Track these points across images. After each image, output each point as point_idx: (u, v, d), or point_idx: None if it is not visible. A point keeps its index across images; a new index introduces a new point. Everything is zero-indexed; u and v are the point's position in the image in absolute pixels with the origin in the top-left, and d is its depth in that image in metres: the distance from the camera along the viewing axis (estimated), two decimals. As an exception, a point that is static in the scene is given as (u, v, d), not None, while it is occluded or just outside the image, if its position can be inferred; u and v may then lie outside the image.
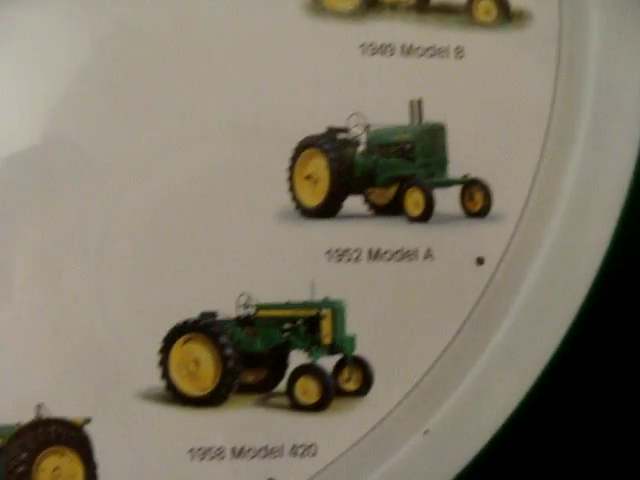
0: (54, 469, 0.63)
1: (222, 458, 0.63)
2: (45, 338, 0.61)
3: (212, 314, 0.64)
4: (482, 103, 0.67)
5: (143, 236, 0.62)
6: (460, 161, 0.67)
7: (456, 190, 0.67)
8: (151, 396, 0.63)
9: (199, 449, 0.63)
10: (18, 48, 0.61)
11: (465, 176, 0.67)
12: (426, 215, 0.66)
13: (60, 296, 0.61)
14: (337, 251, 0.65)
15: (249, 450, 0.63)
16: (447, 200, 0.67)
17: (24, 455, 0.63)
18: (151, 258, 0.62)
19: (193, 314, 0.63)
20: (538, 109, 0.68)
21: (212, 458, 0.63)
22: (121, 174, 0.62)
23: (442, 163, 0.67)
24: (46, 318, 0.61)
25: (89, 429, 0.62)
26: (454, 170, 0.68)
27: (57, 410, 0.62)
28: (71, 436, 0.63)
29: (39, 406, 0.63)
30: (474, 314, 0.67)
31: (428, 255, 0.66)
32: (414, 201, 0.67)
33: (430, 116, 0.66)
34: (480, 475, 0.66)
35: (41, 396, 0.62)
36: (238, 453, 0.63)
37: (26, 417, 0.63)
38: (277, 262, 0.64)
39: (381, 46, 0.65)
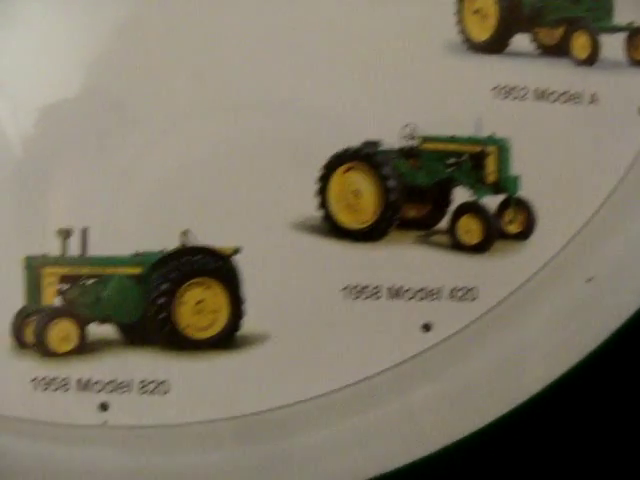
0: (197, 302, 0.59)
1: (378, 298, 0.59)
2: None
3: (375, 143, 0.59)
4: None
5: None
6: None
7: (621, 37, 0.63)
8: (306, 227, 0.59)
9: (354, 287, 0.59)
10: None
11: (630, 23, 0.63)
12: (592, 59, 0.63)
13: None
14: (504, 88, 0.60)
15: (407, 291, 0.59)
16: (612, 46, 0.63)
17: (166, 286, 0.59)
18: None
19: (354, 143, 0.59)
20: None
21: (367, 298, 0.59)
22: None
23: (608, 9, 0.64)
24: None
25: (238, 260, 0.58)
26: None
27: (204, 238, 0.58)
28: (218, 266, 0.59)
29: (185, 233, 0.58)
30: (638, 161, 0.63)
31: (593, 100, 0.62)
32: (580, 44, 0.64)
33: None
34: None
35: (187, 222, 0.58)
36: (395, 294, 0.59)
37: (170, 244, 0.58)
38: (443, 95, 0.60)
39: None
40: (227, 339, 0.59)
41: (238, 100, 0.58)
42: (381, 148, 0.59)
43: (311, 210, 0.59)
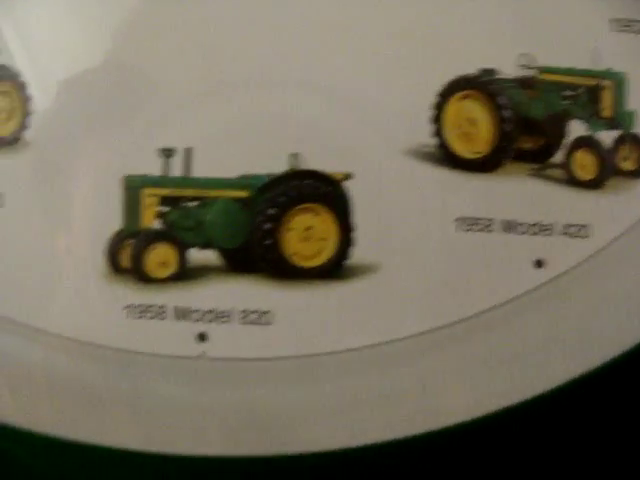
0: (305, 229, 0.56)
1: (490, 231, 0.57)
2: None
3: (491, 71, 0.57)
4: None
5: None
6: None
7: None
8: (420, 154, 0.57)
9: (467, 218, 0.56)
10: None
11: None
12: None
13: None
14: (621, 21, 0.58)
15: (520, 225, 0.57)
16: None
17: (273, 210, 0.56)
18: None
19: (471, 71, 0.57)
20: None
21: (480, 230, 0.57)
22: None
23: None
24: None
25: (348, 186, 0.56)
26: None
27: (314, 162, 0.56)
28: (328, 192, 0.56)
29: (294, 155, 0.55)
30: None
31: None
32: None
33: None
34: None
35: (297, 146, 0.55)
36: (507, 227, 0.57)
37: (278, 167, 0.56)
38: (559, 25, 0.57)
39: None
40: (335, 269, 0.56)
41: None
42: (497, 76, 0.57)
43: (425, 137, 0.57)
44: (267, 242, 0.56)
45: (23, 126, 0.57)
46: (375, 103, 0.56)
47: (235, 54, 0.56)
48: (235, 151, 0.56)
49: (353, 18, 0.56)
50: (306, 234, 0.56)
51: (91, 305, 0.56)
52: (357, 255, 0.56)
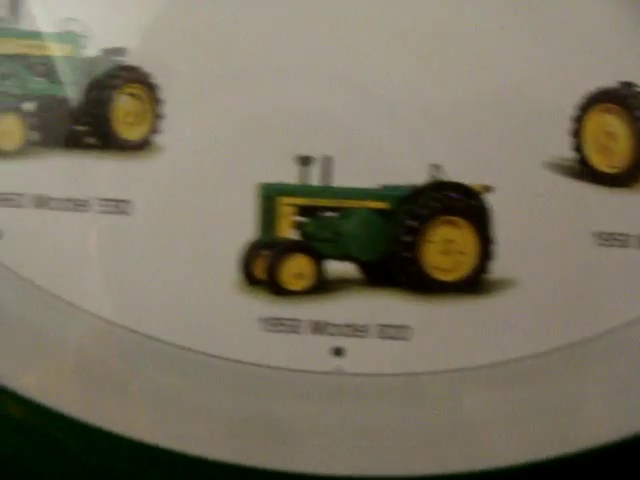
0: (446, 242, 0.55)
1: (626, 247, 0.56)
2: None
3: (630, 84, 0.56)
4: None
5: None
6: None
7: None
8: (558, 167, 0.56)
9: (603, 233, 0.56)
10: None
11: None
12: None
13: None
14: None
15: (655, 241, 0.57)
16: None
17: (414, 222, 0.55)
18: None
19: (608, 83, 0.56)
20: None
21: (616, 245, 0.56)
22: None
23: None
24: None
25: (489, 199, 0.55)
26: None
27: (455, 174, 0.54)
28: (470, 204, 0.55)
29: (435, 167, 0.54)
30: None
31: None
32: None
33: None
34: None
35: (438, 156, 0.54)
36: (642, 242, 0.56)
37: (419, 178, 0.54)
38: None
39: None
40: (474, 283, 0.55)
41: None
42: (636, 89, 0.57)
43: (564, 150, 0.56)
44: (407, 255, 0.55)
45: (153, 130, 0.55)
46: (516, 115, 0.55)
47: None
48: (374, 161, 0.54)
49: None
50: (446, 247, 0.55)
51: (223, 317, 0.54)
52: (495, 269, 0.55)
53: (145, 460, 0.53)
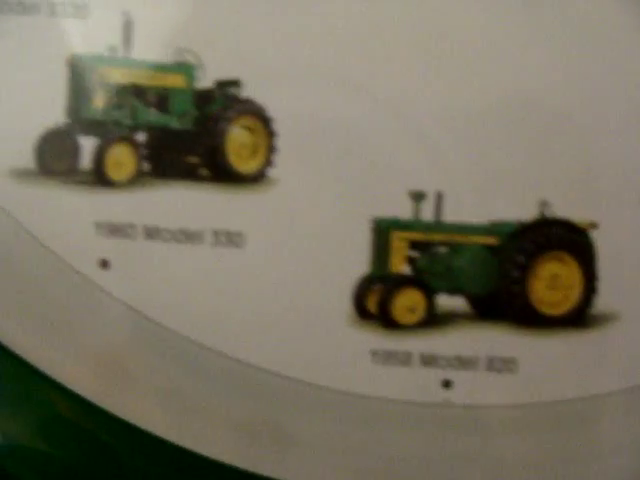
0: (552, 277, 0.56)
1: None
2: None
3: None
4: None
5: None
6: None
7: None
8: None
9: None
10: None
11: None
12: None
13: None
14: None
15: None
16: None
17: (522, 257, 0.56)
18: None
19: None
20: None
21: None
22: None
23: None
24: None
25: (594, 235, 0.56)
26: None
27: (562, 210, 0.55)
28: (576, 240, 0.56)
29: (543, 203, 0.55)
30: None
31: None
32: None
33: None
34: None
35: (545, 192, 0.55)
36: None
37: (528, 214, 0.55)
38: None
39: None
40: (579, 317, 0.56)
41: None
42: None
43: (662, 185, 0.57)
44: (515, 289, 0.56)
45: (267, 163, 0.55)
46: (619, 151, 0.56)
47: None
48: (484, 196, 0.55)
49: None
50: (552, 282, 0.56)
51: (335, 350, 0.54)
52: (599, 304, 0.57)
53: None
